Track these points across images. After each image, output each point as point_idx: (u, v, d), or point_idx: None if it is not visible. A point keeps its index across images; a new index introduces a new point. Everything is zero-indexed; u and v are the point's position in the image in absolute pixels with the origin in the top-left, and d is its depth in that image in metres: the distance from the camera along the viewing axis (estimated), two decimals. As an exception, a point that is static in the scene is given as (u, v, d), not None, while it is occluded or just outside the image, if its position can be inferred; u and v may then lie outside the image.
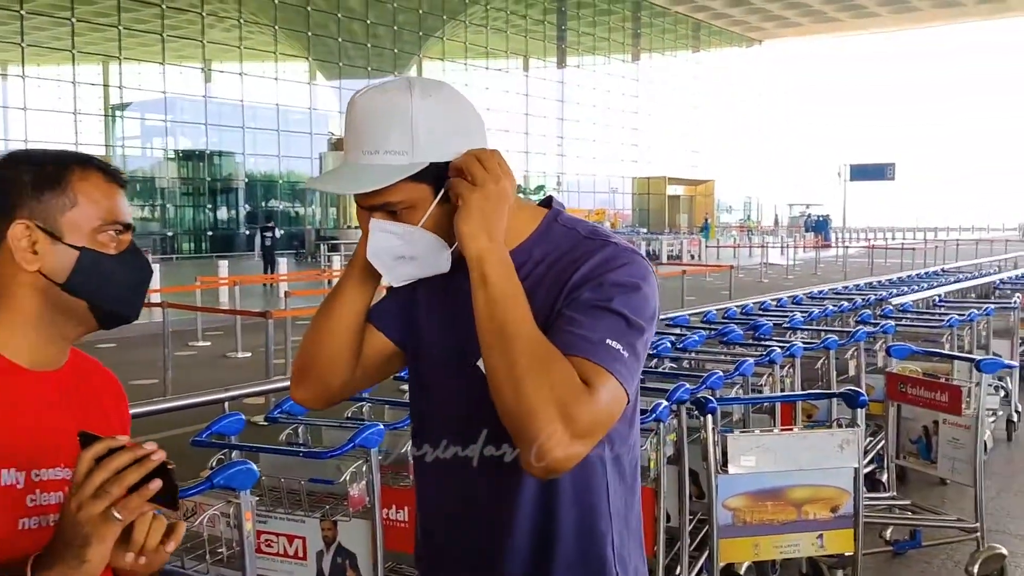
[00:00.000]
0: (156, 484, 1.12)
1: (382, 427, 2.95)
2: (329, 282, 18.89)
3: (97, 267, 1.30)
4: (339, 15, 37.10)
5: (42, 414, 1.30)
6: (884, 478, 4.99)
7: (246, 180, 34.30)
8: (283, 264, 20.78)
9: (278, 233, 27.05)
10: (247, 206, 34.83)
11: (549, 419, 1.25)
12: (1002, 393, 6.66)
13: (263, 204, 34.92)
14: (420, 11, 40.21)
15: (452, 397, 1.50)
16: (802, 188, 62.12)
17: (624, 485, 1.50)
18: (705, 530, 3.84)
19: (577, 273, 1.39)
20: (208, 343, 12.43)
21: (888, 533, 4.59)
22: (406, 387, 4.05)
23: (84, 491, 1.10)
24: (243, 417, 3.08)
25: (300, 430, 3.35)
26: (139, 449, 1.12)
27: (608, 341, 1.32)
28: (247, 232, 33.81)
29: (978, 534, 4.22)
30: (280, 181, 35.78)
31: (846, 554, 3.65)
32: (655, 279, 1.44)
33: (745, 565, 3.80)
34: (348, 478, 2.85)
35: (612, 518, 1.48)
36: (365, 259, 1.46)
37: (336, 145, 32.36)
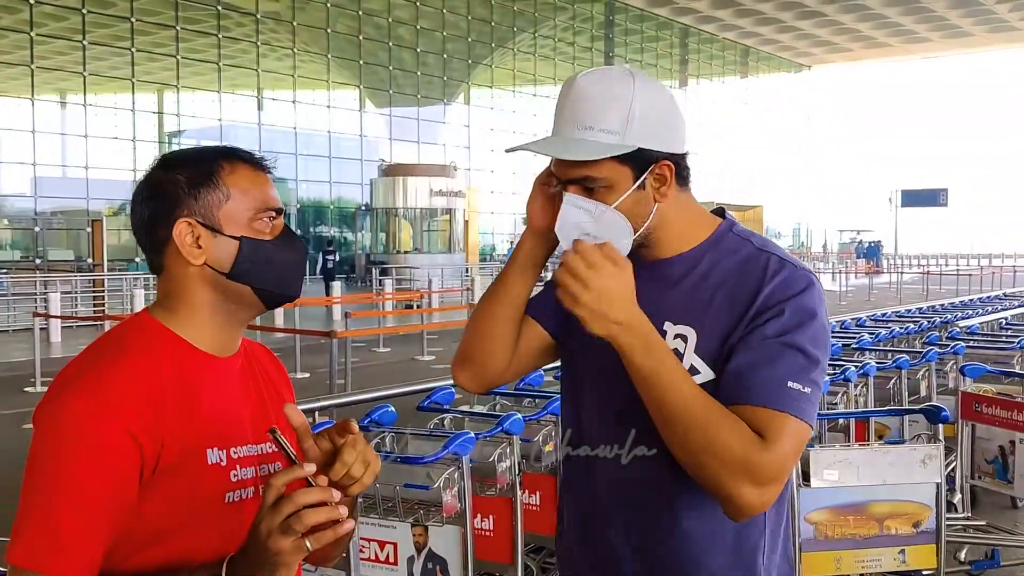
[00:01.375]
0: (350, 525, 1.19)
1: (473, 435, 3.03)
2: (378, 305, 19.19)
3: (257, 253, 1.39)
4: (390, 44, 37.66)
5: (230, 395, 1.41)
6: (956, 499, 4.95)
7: (298, 205, 34.85)
8: (336, 287, 21.04)
9: (337, 256, 27.53)
10: (299, 231, 35.28)
11: (734, 481, 1.32)
12: None
13: (314, 229, 35.42)
14: (469, 39, 40.68)
15: (606, 393, 1.53)
16: (853, 214, 61.39)
17: (779, 500, 1.51)
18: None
19: (759, 297, 1.42)
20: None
21: (963, 554, 4.56)
22: (493, 399, 4.15)
23: (274, 520, 1.16)
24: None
25: (387, 439, 3.43)
26: (327, 492, 1.18)
27: (789, 384, 1.36)
28: (299, 257, 34.19)
29: (1058, 556, 4.18)
30: (331, 207, 36.27)
31: (924, 573, 3.65)
32: (825, 301, 1.47)
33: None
34: (442, 484, 2.92)
35: (765, 529, 1.50)
36: (527, 251, 1.53)
37: (387, 171, 32.78)
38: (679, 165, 1.51)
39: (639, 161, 1.44)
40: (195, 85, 32.08)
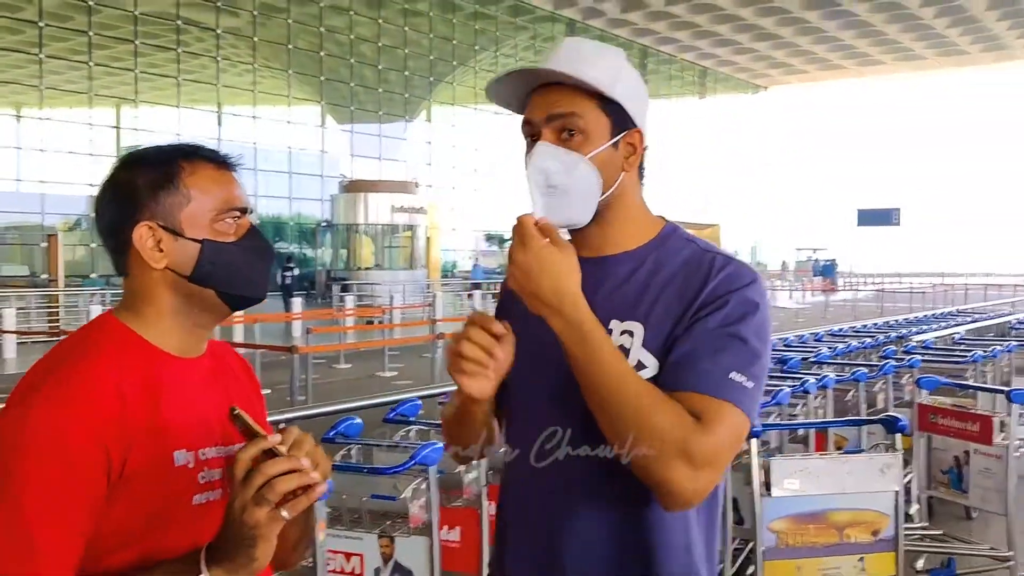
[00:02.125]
0: (322, 488, 1.21)
1: (440, 445, 3.04)
2: (337, 321, 19.06)
3: (220, 255, 1.36)
4: (351, 60, 37.62)
5: (197, 397, 1.39)
6: (913, 510, 5.04)
7: (258, 221, 34.39)
8: (296, 303, 20.89)
9: (296, 272, 27.39)
10: (258, 245, 34.94)
11: (667, 464, 1.28)
12: None
13: (273, 244, 35.11)
14: (431, 57, 40.79)
15: (541, 396, 1.49)
16: (809, 233, 62.25)
17: (713, 500, 1.49)
18: (744, 555, 3.91)
19: (703, 292, 1.40)
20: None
21: (920, 563, 4.64)
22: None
23: (246, 493, 1.17)
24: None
25: (353, 451, 3.43)
26: (294, 461, 1.19)
27: (731, 375, 1.34)
28: (257, 273, 33.99)
29: (1012, 563, 4.27)
30: (291, 222, 36.05)
31: (883, 581, 3.72)
32: (768, 301, 1.47)
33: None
34: (409, 495, 2.93)
35: (703, 532, 1.47)
36: (468, 393, 1.44)
37: (348, 187, 32.68)
38: (643, 150, 1.52)
39: (619, 117, 1.45)
40: (154, 99, 31.79)
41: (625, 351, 1.41)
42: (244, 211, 1.40)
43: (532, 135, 1.45)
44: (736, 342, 1.36)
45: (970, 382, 5.96)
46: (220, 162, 1.41)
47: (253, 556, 1.19)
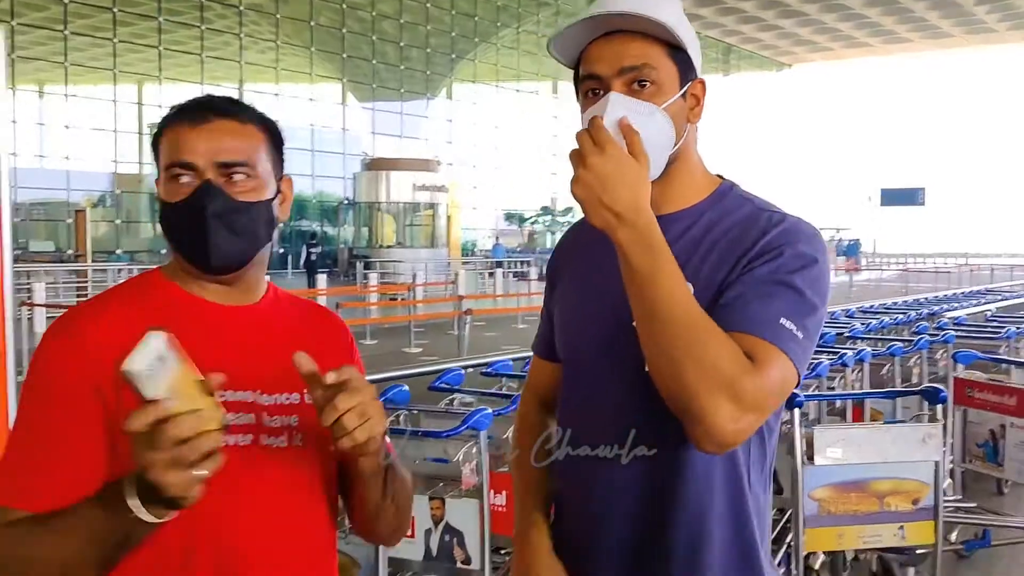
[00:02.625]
0: (221, 458, 1.06)
1: (490, 411, 3.10)
2: (364, 297, 19.18)
3: (163, 218, 1.31)
4: (373, 38, 37.62)
5: (229, 342, 1.34)
6: (947, 484, 5.06)
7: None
8: (321, 280, 21.03)
9: (320, 249, 27.60)
10: (281, 225, 35.09)
11: (713, 397, 1.18)
12: None
13: (296, 222, 35.33)
14: (452, 34, 40.71)
15: (602, 390, 1.45)
16: (833, 212, 61.91)
17: (764, 483, 1.46)
18: (782, 524, 3.96)
19: (756, 245, 1.34)
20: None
21: (955, 535, 4.67)
22: (499, 381, 4.23)
23: (143, 460, 1.04)
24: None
25: (401, 417, 3.50)
26: (203, 415, 1.05)
27: (782, 320, 1.26)
28: (281, 250, 34.24)
29: (1047, 535, 4.30)
30: (313, 200, 36.19)
31: (918, 551, 3.76)
32: (828, 258, 1.39)
33: (820, 560, 3.91)
34: (461, 458, 2.99)
35: (756, 518, 1.43)
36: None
37: (370, 165, 32.74)
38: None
39: (685, 66, 1.38)
40: (177, 76, 31.92)
41: None
42: (189, 167, 1.28)
43: (596, 89, 1.36)
44: (789, 290, 1.29)
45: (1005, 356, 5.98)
46: (198, 112, 1.31)
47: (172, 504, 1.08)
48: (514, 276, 27.46)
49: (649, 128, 1.28)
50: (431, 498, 3.11)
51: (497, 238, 36.56)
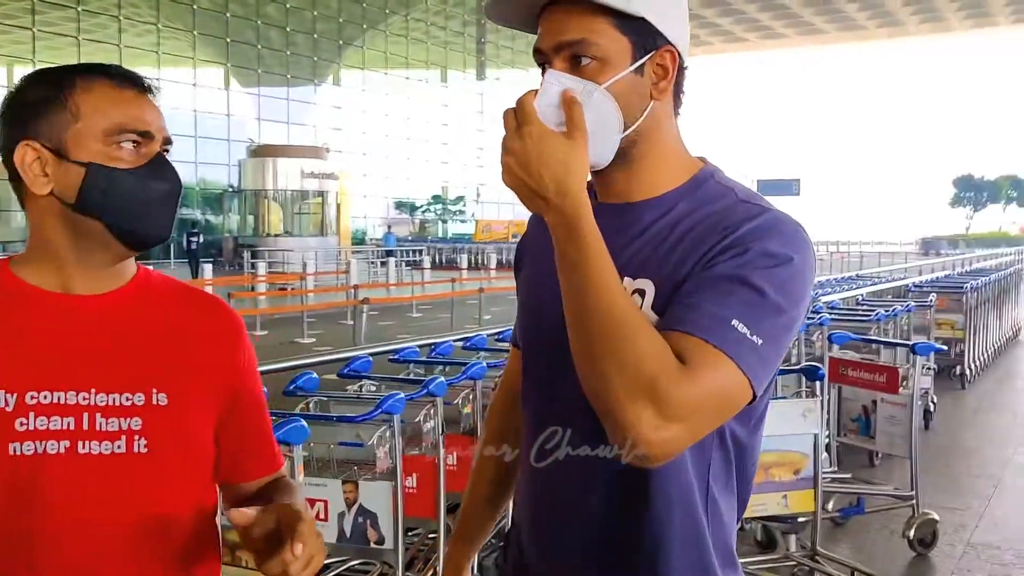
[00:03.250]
0: None
1: (403, 395, 3.21)
2: (253, 287, 18.87)
3: (109, 183, 1.20)
4: (258, 22, 36.84)
5: (71, 336, 1.23)
6: (823, 457, 5.42)
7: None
8: (207, 270, 20.56)
9: (201, 238, 26.98)
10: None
11: (633, 402, 1.04)
12: (931, 375, 7.24)
13: (180, 210, 34.30)
14: (340, 20, 40.22)
15: (548, 382, 1.32)
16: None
17: (730, 502, 1.28)
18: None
19: (725, 240, 1.17)
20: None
21: (831, 504, 5.02)
22: (406, 367, 4.33)
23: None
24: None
25: (311, 404, 3.57)
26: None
27: (733, 322, 1.09)
28: (163, 239, 33.26)
29: (913, 501, 4.67)
30: (196, 188, 35.28)
31: (800, 519, 4.06)
32: (814, 258, 1.21)
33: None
34: (376, 441, 3.09)
35: (715, 539, 1.26)
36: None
37: (256, 152, 32.13)
38: (680, 69, 1.26)
39: (642, 36, 1.20)
40: (51, 59, 30.55)
41: None
42: (148, 136, 1.23)
43: (542, 64, 1.24)
44: (748, 289, 1.12)
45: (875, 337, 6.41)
46: (123, 79, 1.23)
47: None
48: (407, 265, 27.41)
49: (589, 106, 1.15)
50: (344, 482, 3.20)
51: (389, 227, 36.40)
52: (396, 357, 4.26)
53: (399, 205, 44.57)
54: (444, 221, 47.47)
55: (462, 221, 47.82)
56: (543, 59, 1.22)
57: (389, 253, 27.69)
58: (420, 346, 4.52)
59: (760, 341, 1.09)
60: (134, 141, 1.21)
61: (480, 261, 30.52)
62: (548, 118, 1.12)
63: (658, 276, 1.20)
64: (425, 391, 3.40)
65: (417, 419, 3.44)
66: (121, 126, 1.20)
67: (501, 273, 25.22)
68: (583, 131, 1.12)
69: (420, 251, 30.04)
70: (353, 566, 3.69)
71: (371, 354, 4.29)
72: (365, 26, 41.65)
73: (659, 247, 1.22)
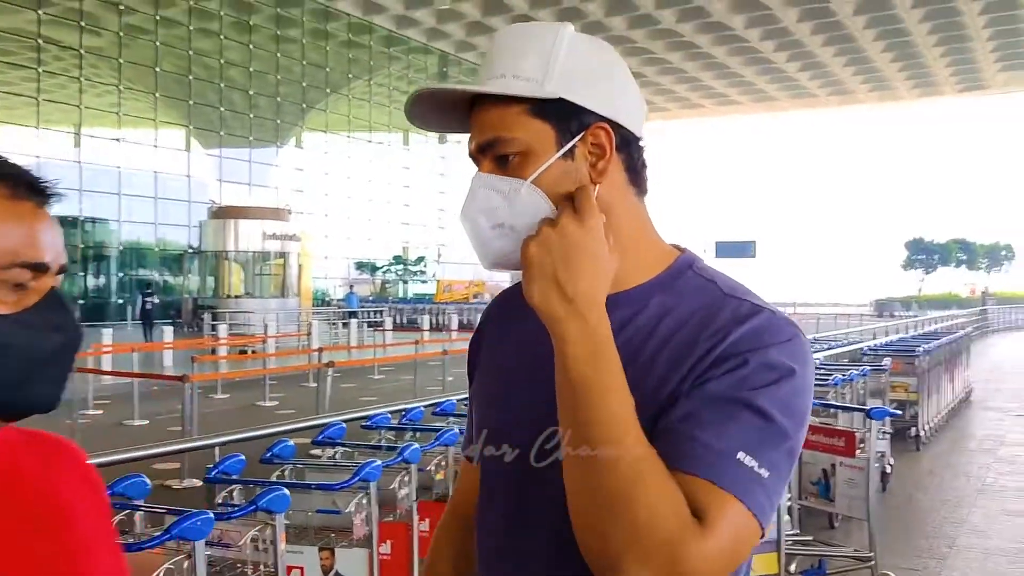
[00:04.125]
0: None
1: (379, 463, 3.28)
2: (214, 350, 18.73)
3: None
4: (221, 84, 37.07)
5: None
6: (785, 519, 5.54)
7: (120, 247, 33.49)
8: (167, 332, 20.37)
9: (156, 299, 26.81)
10: (121, 274, 33.96)
11: (643, 566, 0.91)
12: (887, 439, 7.42)
13: (138, 271, 34.12)
14: (303, 84, 40.60)
15: (509, 516, 1.16)
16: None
17: None
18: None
19: (717, 348, 1.03)
20: (100, 411, 12.21)
21: (794, 566, 5.12)
22: (378, 434, 4.39)
23: None
24: (243, 457, 3.37)
25: (287, 471, 3.62)
26: None
27: (739, 456, 0.96)
28: (119, 301, 32.95)
29: (872, 563, 4.79)
30: (155, 249, 35.06)
31: (764, 581, 4.16)
32: (813, 367, 1.09)
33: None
34: (353, 508, 3.16)
35: None
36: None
37: (217, 213, 32.08)
38: (628, 144, 1.13)
39: (564, 119, 1.08)
40: (9, 119, 30.48)
41: None
42: (41, 268, 0.90)
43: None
44: (751, 413, 0.99)
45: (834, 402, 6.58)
46: (23, 187, 0.91)
47: None
48: (368, 326, 27.38)
49: (517, 206, 1.06)
50: (321, 549, 3.25)
51: (351, 287, 36.36)
52: (368, 423, 4.32)
53: (360, 265, 44.62)
54: (405, 281, 47.55)
55: (423, 281, 47.97)
56: (476, 163, 1.13)
57: (351, 314, 27.66)
58: (391, 412, 4.59)
59: (767, 474, 0.97)
60: (27, 276, 0.89)
61: (441, 322, 30.59)
62: (478, 221, 1.08)
63: (641, 386, 1.02)
64: (400, 458, 3.48)
65: (392, 486, 3.50)
66: (15, 256, 0.88)
67: (462, 334, 25.30)
68: (603, 232, 1.03)
69: (381, 312, 30.04)
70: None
71: (343, 420, 4.36)
72: (328, 90, 42.08)
73: (638, 352, 1.07)
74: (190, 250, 34.32)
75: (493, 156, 1.09)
